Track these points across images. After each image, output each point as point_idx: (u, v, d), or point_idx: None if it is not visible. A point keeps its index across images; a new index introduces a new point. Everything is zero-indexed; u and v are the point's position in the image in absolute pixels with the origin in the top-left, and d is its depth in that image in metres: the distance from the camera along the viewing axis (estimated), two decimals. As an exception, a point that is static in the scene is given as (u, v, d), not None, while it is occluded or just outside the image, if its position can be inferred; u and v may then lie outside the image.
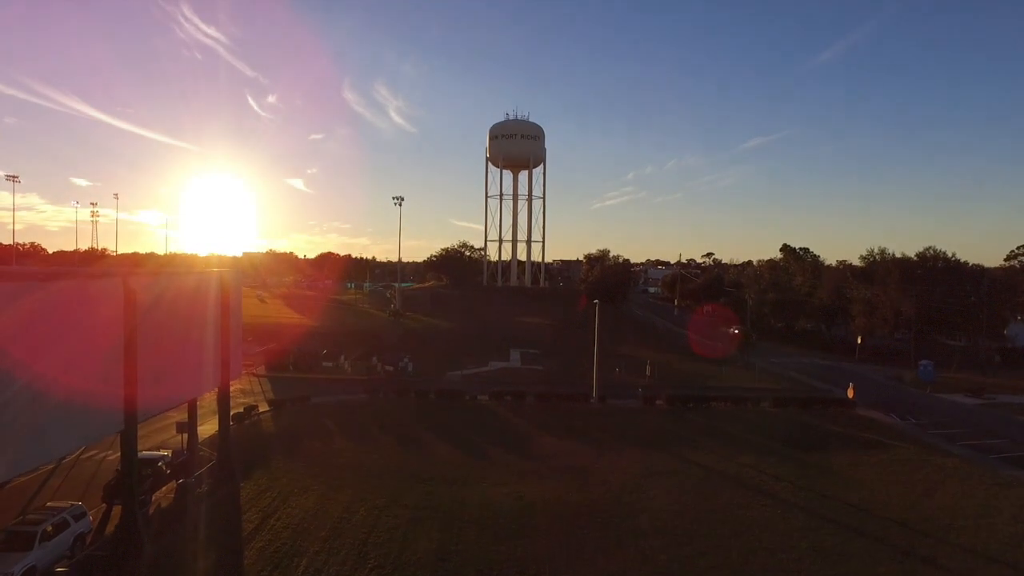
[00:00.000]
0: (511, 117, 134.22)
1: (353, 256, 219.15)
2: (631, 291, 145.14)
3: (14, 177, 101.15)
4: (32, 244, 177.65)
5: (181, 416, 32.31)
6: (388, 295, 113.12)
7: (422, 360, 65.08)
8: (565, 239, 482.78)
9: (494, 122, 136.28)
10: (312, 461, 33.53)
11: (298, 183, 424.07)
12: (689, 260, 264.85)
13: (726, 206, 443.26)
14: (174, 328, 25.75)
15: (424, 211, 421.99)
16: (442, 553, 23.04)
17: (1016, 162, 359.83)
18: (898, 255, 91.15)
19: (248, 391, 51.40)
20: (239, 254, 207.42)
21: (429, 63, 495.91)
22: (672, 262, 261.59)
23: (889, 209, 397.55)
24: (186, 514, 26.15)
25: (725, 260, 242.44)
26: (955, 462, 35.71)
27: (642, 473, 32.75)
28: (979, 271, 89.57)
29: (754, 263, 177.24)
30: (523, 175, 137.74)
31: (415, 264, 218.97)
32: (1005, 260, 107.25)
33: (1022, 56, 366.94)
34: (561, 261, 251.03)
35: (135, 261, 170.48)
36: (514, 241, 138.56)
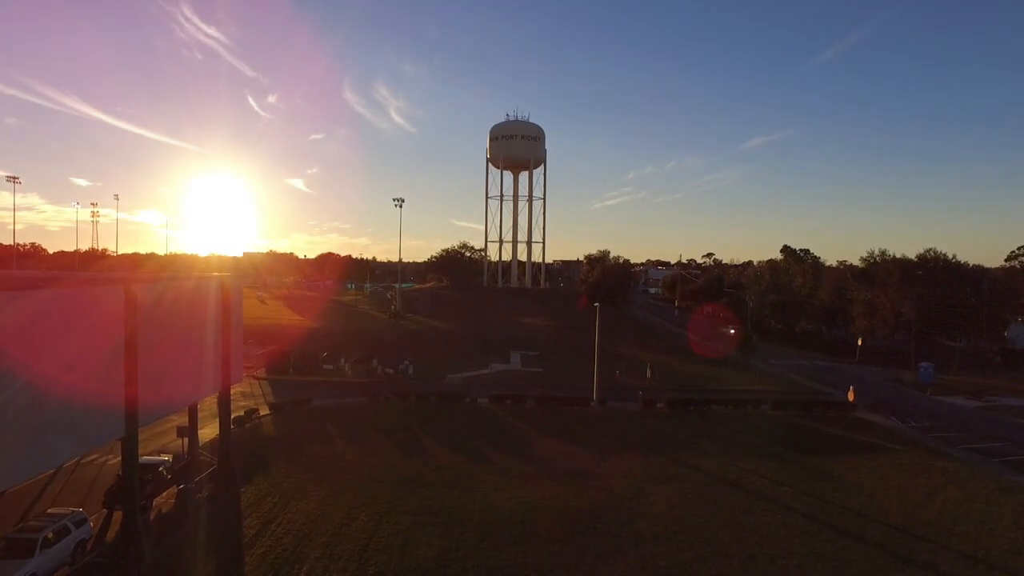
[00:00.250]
0: (511, 118, 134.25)
1: (353, 256, 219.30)
2: (631, 292, 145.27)
3: (15, 178, 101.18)
4: (32, 244, 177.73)
5: (182, 420, 32.31)
6: (388, 296, 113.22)
7: (422, 362, 65.10)
8: (565, 239, 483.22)
9: (494, 122, 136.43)
10: (313, 465, 33.53)
11: (298, 183, 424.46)
12: (689, 260, 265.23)
13: (726, 206, 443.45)
14: (175, 333, 25.77)
15: (424, 211, 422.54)
16: (443, 559, 23.04)
17: (1017, 162, 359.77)
18: (898, 256, 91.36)
19: (248, 394, 51.43)
20: (239, 254, 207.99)
21: (429, 63, 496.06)
22: (672, 262, 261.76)
23: (889, 209, 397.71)
24: (187, 520, 26.17)
25: (725, 260, 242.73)
26: (956, 466, 35.70)
27: (643, 477, 32.76)
28: (979, 272, 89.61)
29: (754, 263, 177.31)
30: (523, 176, 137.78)
31: (415, 264, 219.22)
32: (1006, 261, 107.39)
33: (1023, 57, 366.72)
34: (561, 261, 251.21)
35: (135, 262, 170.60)
36: (514, 242, 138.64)
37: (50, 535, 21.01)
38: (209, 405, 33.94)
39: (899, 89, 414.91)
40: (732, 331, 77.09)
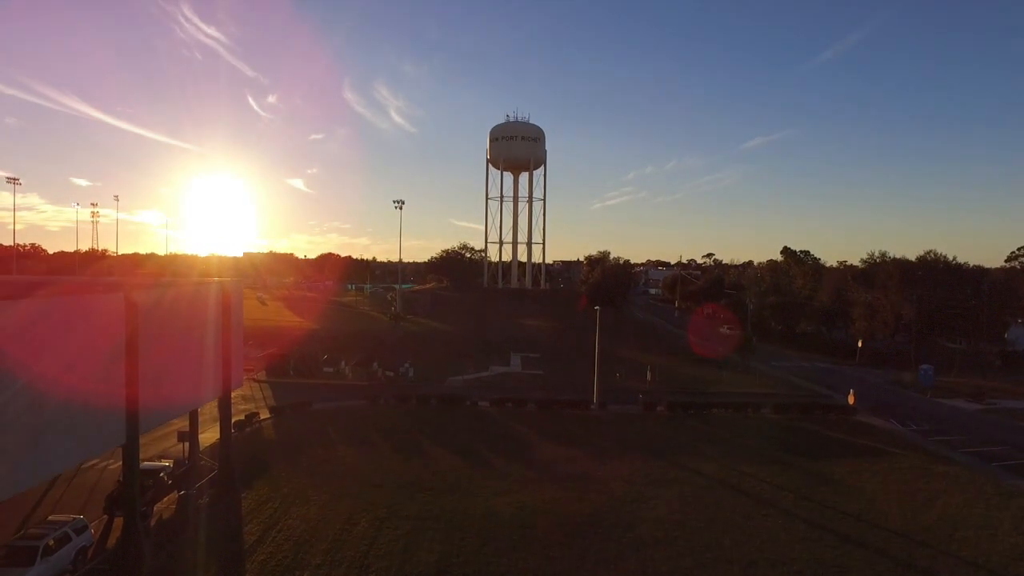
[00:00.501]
0: (511, 119, 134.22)
1: (353, 257, 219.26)
2: (631, 293, 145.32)
3: (15, 180, 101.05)
4: (33, 245, 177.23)
5: (182, 424, 32.33)
6: (389, 297, 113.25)
7: (423, 364, 65.10)
8: (565, 239, 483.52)
9: (494, 122, 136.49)
10: (313, 469, 33.55)
11: (298, 183, 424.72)
12: (690, 260, 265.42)
13: (726, 206, 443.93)
14: (176, 339, 25.78)
15: (424, 211, 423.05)
16: (443, 565, 23.06)
17: (1017, 162, 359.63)
18: (898, 257, 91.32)
19: (249, 397, 51.44)
20: (239, 254, 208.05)
21: (429, 63, 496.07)
22: (673, 263, 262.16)
23: (889, 209, 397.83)
24: (188, 526, 26.17)
25: (726, 260, 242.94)
26: (956, 470, 35.70)
27: (643, 481, 32.77)
28: (979, 272, 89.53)
29: (754, 264, 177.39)
30: (523, 176, 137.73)
31: (416, 264, 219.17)
32: (1006, 261, 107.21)
33: (1023, 57, 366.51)
34: (561, 262, 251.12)
35: (135, 262, 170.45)
36: (514, 243, 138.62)
37: (51, 543, 21.02)
38: (210, 408, 33.97)
39: (899, 89, 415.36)
40: (728, 331, 77.15)
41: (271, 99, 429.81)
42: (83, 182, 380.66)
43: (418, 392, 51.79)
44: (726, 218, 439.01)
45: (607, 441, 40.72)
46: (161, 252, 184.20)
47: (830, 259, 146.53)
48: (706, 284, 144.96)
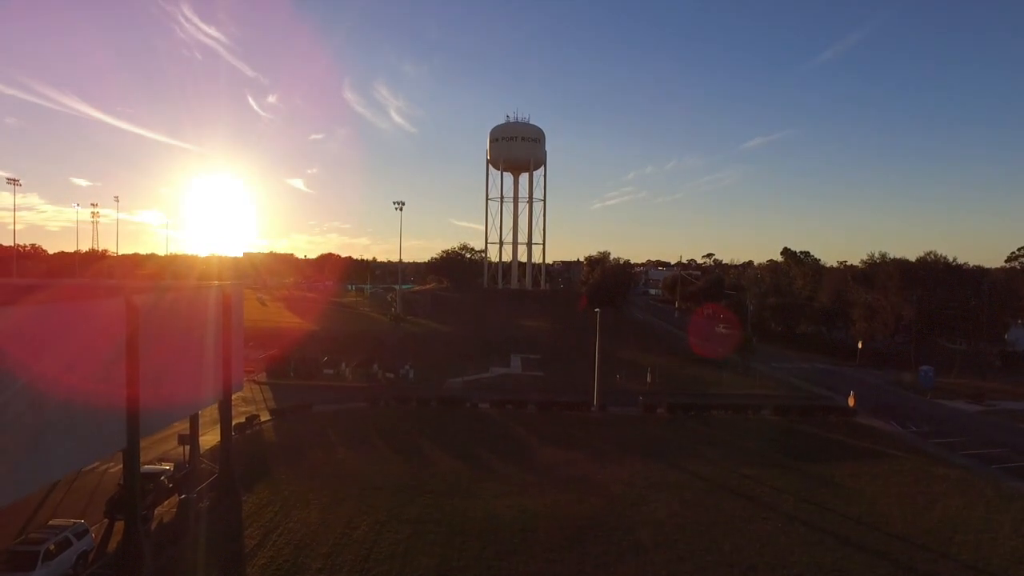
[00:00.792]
0: (511, 119, 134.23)
1: (354, 257, 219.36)
2: (632, 293, 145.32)
3: (15, 180, 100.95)
4: (33, 245, 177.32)
5: (183, 427, 32.34)
6: (389, 298, 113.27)
7: (423, 365, 65.10)
8: (565, 239, 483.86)
9: (494, 123, 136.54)
10: (314, 472, 33.56)
11: (298, 183, 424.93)
12: (690, 261, 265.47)
13: (726, 206, 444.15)
14: (176, 343, 25.79)
15: (425, 211, 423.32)
16: (444, 569, 23.09)
17: (1017, 162, 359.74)
18: (898, 256, 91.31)
19: (249, 399, 51.44)
20: (239, 254, 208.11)
21: (429, 63, 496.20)
22: (673, 263, 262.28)
23: (889, 209, 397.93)
24: (188, 530, 26.17)
25: (726, 261, 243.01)
26: (956, 473, 35.72)
27: (643, 484, 32.79)
28: (980, 272, 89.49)
29: (754, 264, 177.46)
30: (523, 177, 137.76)
31: (416, 264, 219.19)
32: (1006, 261, 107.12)
33: (1023, 57, 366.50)
34: (561, 262, 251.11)
35: (135, 262, 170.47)
36: (515, 243, 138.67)
37: (52, 547, 21.06)
38: (210, 411, 33.94)
39: (899, 89, 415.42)
40: (725, 329, 77.15)
41: (271, 99, 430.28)
42: (83, 182, 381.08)
43: (418, 394, 51.81)
44: (726, 218, 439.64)
45: (607, 443, 40.74)
46: (161, 252, 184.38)
47: (830, 259, 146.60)
48: (706, 285, 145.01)
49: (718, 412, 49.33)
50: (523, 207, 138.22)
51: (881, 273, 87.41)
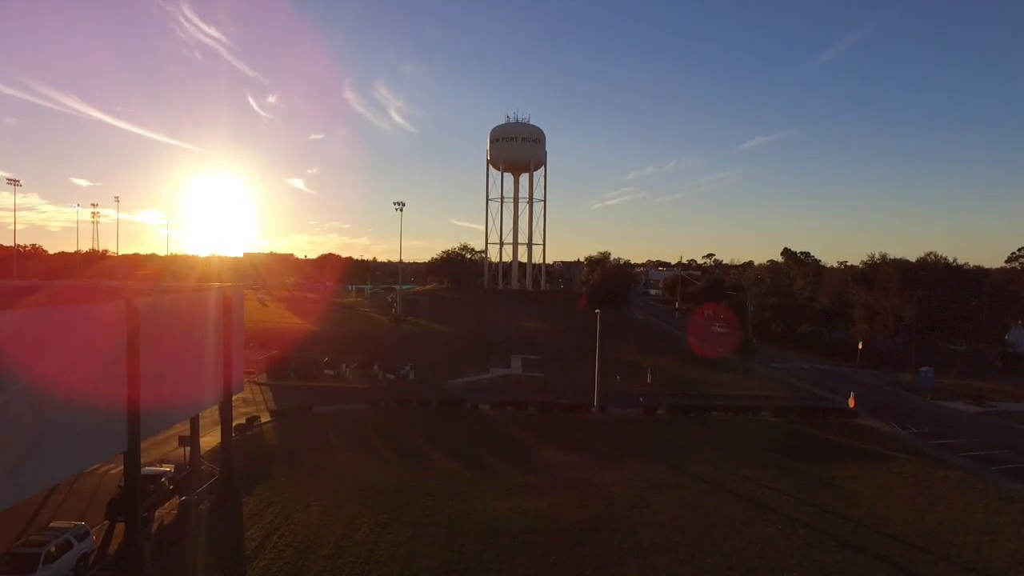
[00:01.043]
0: (512, 119, 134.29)
1: (354, 257, 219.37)
2: (632, 293, 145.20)
3: (15, 181, 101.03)
4: (33, 246, 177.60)
5: (183, 429, 32.32)
6: (389, 299, 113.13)
7: (423, 366, 65.12)
8: (566, 239, 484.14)
9: (494, 123, 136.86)
10: (314, 474, 33.59)
11: (299, 183, 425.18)
12: (690, 261, 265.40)
13: (726, 206, 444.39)
14: (177, 346, 25.80)
15: (425, 211, 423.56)
16: (444, 571, 23.11)
17: (1017, 162, 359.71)
18: (898, 257, 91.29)
19: (250, 400, 51.46)
20: (240, 254, 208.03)
21: (429, 63, 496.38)
22: (673, 263, 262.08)
23: (889, 209, 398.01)
24: (189, 532, 26.21)
25: (726, 261, 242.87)
26: (956, 475, 35.72)
27: (643, 486, 32.81)
28: (980, 273, 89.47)
29: (755, 264, 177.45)
30: (524, 177, 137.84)
31: (416, 265, 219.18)
32: (1006, 262, 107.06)
33: (1023, 57, 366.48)
34: (562, 263, 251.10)
35: (136, 262, 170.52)
36: (515, 244, 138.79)
37: (53, 549, 21.09)
38: (211, 412, 33.94)
39: (899, 89, 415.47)
40: (720, 328, 77.09)
41: (271, 99, 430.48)
42: (83, 182, 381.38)
43: (419, 395, 51.86)
44: (726, 218, 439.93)
45: (607, 445, 40.75)
46: (161, 252, 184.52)
47: (830, 260, 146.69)
48: (706, 285, 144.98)
49: (718, 413, 49.34)
50: (523, 207, 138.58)
51: (881, 274, 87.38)
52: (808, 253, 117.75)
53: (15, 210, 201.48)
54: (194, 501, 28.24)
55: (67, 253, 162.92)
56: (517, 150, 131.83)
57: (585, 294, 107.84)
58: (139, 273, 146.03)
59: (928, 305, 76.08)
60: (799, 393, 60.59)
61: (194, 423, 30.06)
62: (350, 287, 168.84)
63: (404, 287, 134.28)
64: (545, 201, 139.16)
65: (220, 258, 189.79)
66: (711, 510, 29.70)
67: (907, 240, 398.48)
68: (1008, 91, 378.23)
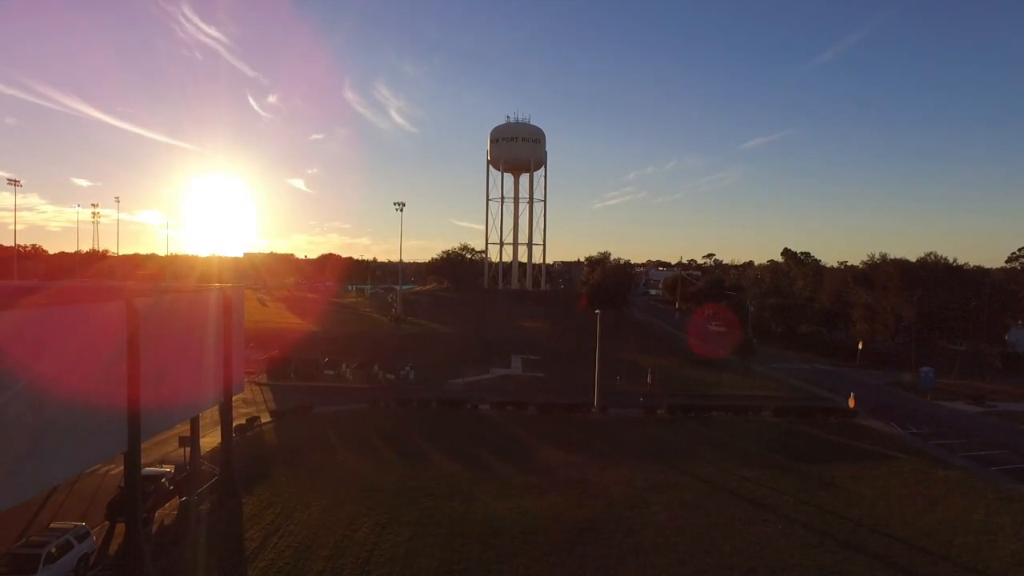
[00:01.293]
0: (512, 120, 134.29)
1: (354, 257, 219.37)
2: (632, 293, 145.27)
3: (15, 181, 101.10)
4: (33, 246, 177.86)
5: (183, 429, 32.33)
6: (389, 299, 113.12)
7: (423, 366, 65.14)
8: (566, 239, 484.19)
9: (495, 123, 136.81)
10: (314, 474, 33.61)
11: (299, 183, 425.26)
12: (690, 261, 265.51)
13: (726, 206, 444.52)
14: (177, 346, 25.82)
15: (425, 211, 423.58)
16: (444, 572, 23.12)
17: (1017, 162, 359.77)
18: (898, 257, 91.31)
19: (250, 400, 51.47)
20: (240, 255, 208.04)
21: (429, 63, 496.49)
22: (673, 263, 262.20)
23: (889, 209, 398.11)
24: (189, 532, 26.22)
25: (726, 261, 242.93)
26: (956, 475, 35.72)
27: (643, 486, 32.81)
28: (980, 273, 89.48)
29: (755, 264, 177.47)
30: (524, 177, 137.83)
31: (416, 264, 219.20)
32: (1006, 262, 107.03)
33: (1023, 57, 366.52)
34: (562, 263, 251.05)
35: (136, 262, 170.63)
36: (515, 244, 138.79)
37: (53, 550, 21.10)
38: (211, 412, 33.96)
39: (899, 89, 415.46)
40: (716, 327, 77.04)
41: (271, 99, 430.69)
42: (84, 182, 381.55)
43: (419, 395, 51.88)
44: (726, 218, 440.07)
45: (607, 445, 40.77)
46: (162, 252, 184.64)
47: (830, 260, 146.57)
48: (706, 285, 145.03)
49: (718, 413, 49.35)
50: (523, 207, 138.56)
51: (881, 274, 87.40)
52: (808, 253, 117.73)
53: (15, 210, 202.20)
54: (194, 502, 28.26)
55: (67, 253, 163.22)
56: (517, 150, 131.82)
57: (585, 294, 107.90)
58: (139, 273, 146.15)
59: (928, 305, 76.10)
60: (799, 393, 60.60)
61: (194, 423, 30.07)
62: (350, 287, 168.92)
63: (404, 287, 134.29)
64: (545, 201, 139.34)
65: (220, 258, 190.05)
66: (711, 510, 29.70)
67: (907, 240, 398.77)
68: (1008, 91, 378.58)
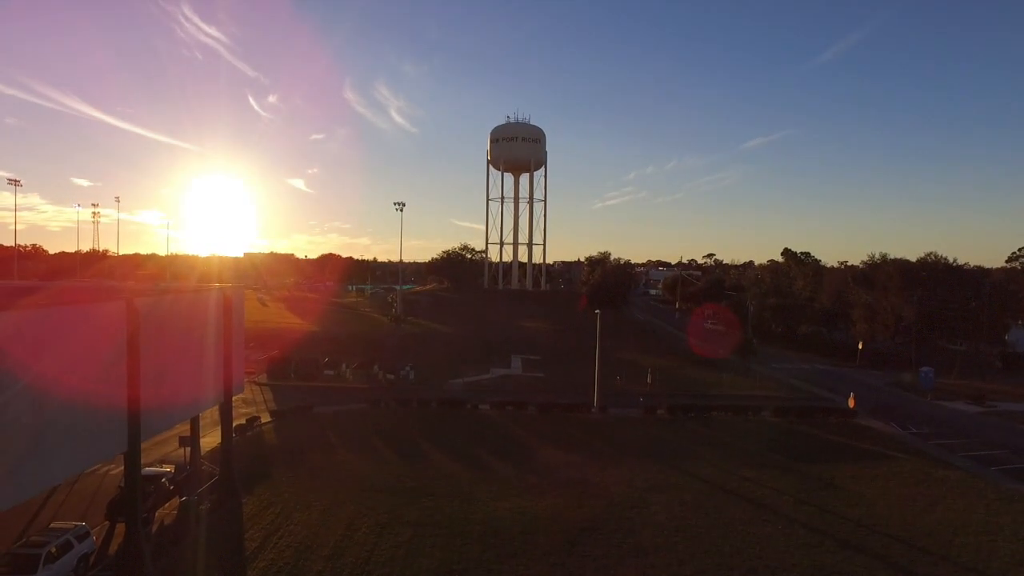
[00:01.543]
0: (512, 120, 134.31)
1: (354, 257, 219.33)
2: (632, 293, 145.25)
3: (16, 181, 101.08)
4: (34, 246, 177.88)
5: (183, 429, 32.34)
6: (389, 299, 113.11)
7: (423, 366, 65.14)
8: (566, 239, 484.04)
9: (495, 123, 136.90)
10: (314, 474, 33.61)
11: (299, 183, 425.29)
12: (690, 261, 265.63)
13: (726, 206, 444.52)
14: (177, 346, 25.83)
15: (425, 211, 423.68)
16: (444, 572, 23.12)
17: (1017, 162, 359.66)
18: (899, 257, 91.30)
19: (250, 400, 51.47)
20: (240, 254, 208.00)
21: (429, 63, 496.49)
22: (673, 263, 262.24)
23: (889, 209, 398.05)
24: (189, 532, 26.22)
25: (726, 261, 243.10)
26: (956, 475, 35.72)
27: (643, 486, 32.82)
28: (980, 273, 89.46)
29: (755, 264, 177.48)
30: (524, 177, 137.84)
31: (416, 264, 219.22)
32: (1007, 262, 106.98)
33: (1023, 57, 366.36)
34: (562, 263, 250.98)
35: (136, 262, 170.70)
36: (515, 244, 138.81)
37: (53, 550, 21.11)
38: (211, 412, 33.99)
39: (899, 89, 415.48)
40: (712, 325, 76.98)
41: (271, 99, 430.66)
42: (84, 182, 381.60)
43: (419, 395, 51.87)
44: (726, 218, 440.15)
45: (607, 445, 40.76)
46: (162, 252, 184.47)
47: (830, 260, 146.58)
48: (706, 285, 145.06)
49: (718, 413, 49.35)
50: (523, 207, 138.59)
51: (881, 274, 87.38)
52: (808, 253, 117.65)
53: (15, 210, 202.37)
54: (194, 502, 28.25)
55: (67, 253, 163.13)
56: (517, 150, 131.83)
57: (585, 294, 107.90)
58: (139, 273, 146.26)
59: (928, 305, 76.09)
60: (799, 393, 60.59)
61: (194, 424, 30.08)
62: (350, 287, 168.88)
63: (404, 287, 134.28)
64: (545, 201, 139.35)
65: (220, 258, 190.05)
66: (711, 510, 29.70)
67: (907, 240, 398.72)
68: (1008, 91, 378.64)
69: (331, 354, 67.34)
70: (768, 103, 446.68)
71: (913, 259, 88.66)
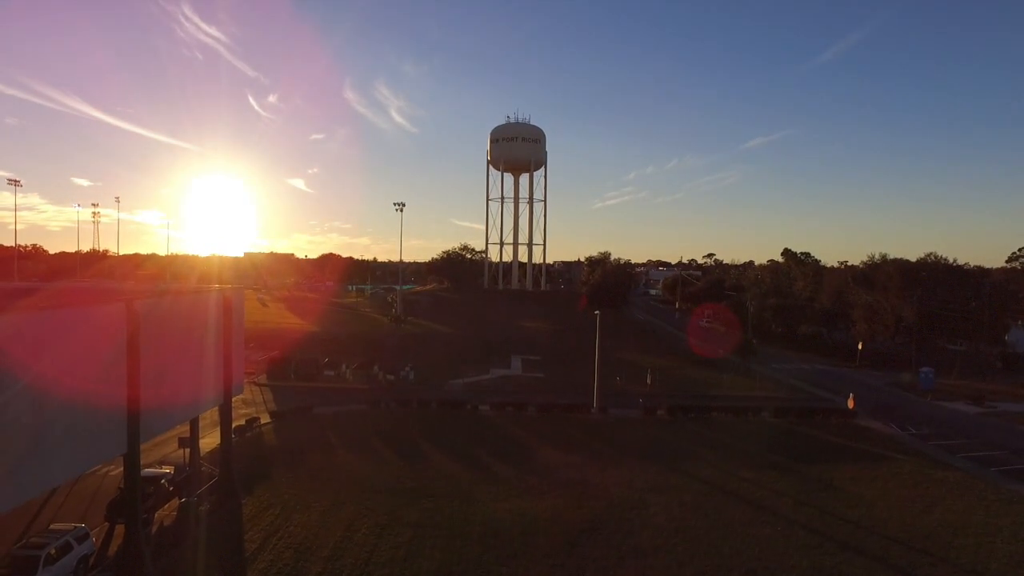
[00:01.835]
0: (512, 120, 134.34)
1: (354, 258, 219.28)
2: (632, 293, 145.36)
3: (16, 181, 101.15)
4: (34, 246, 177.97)
5: (183, 430, 32.35)
6: (389, 299, 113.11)
7: (423, 367, 65.15)
8: (566, 239, 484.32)
9: (495, 123, 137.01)
10: (314, 475, 33.61)
11: (299, 183, 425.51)
12: (690, 261, 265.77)
13: (727, 206, 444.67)
14: (177, 348, 25.84)
15: (425, 211, 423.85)
16: (444, 573, 23.13)
17: (1017, 162, 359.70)
18: (899, 257, 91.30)
19: (250, 401, 51.46)
20: (240, 254, 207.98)
21: (429, 63, 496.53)
22: (673, 263, 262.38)
23: (889, 209, 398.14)
24: (188, 533, 26.23)
25: (726, 261, 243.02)
26: (956, 476, 35.71)
27: (643, 487, 32.81)
28: (980, 273, 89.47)
29: (755, 264, 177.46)
30: (524, 177, 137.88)
31: (416, 264, 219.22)
32: (1007, 262, 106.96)
33: (1023, 57, 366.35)
34: (562, 263, 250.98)
35: (136, 262, 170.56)
36: (515, 244, 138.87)
37: (53, 551, 21.10)
38: (211, 413, 33.98)
39: (899, 89, 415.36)
40: (707, 323, 76.96)
41: (272, 99, 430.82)
42: (84, 182, 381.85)
43: (419, 396, 51.88)
44: (726, 218, 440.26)
45: (607, 446, 40.77)
46: (162, 252, 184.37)
47: (830, 260, 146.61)
48: (706, 285, 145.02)
49: (718, 414, 49.36)
50: (523, 207, 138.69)
51: (881, 274, 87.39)
52: (808, 253, 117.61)
53: (15, 210, 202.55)
54: (194, 503, 28.28)
55: (68, 253, 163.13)
56: (517, 150, 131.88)
57: (585, 294, 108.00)
58: (139, 273, 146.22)
59: (928, 305, 76.10)
60: (799, 394, 60.59)
61: (194, 425, 30.10)
62: (350, 287, 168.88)
63: (404, 287, 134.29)
64: (545, 201, 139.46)
65: (220, 258, 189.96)
66: (711, 511, 29.71)
67: (907, 240, 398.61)
68: (1008, 91, 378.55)
69: (331, 354, 67.36)
70: (768, 103, 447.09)
71: (913, 259, 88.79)
